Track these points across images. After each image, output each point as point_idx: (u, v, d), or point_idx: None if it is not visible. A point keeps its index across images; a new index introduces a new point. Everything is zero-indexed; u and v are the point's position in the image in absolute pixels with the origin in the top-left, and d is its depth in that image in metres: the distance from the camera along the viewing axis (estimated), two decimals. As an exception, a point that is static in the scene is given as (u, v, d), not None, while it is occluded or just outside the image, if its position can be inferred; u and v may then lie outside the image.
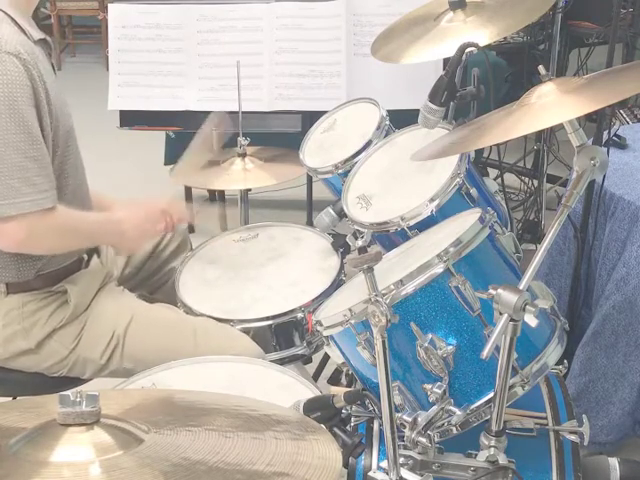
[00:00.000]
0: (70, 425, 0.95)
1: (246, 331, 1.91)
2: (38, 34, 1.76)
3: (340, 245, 2.11)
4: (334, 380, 2.32)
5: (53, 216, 1.71)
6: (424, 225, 1.74)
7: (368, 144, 2.04)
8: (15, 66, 1.61)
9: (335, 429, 1.40)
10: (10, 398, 1.88)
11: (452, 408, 1.38)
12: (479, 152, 2.32)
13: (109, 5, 2.89)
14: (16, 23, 1.70)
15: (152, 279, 2.21)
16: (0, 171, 1.62)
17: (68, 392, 0.97)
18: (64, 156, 1.79)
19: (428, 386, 1.39)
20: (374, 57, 2.13)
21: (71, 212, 1.77)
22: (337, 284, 1.97)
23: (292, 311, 1.93)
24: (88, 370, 1.88)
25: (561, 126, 1.35)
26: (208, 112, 2.82)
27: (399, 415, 1.36)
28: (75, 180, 1.84)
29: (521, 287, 1.25)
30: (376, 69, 2.66)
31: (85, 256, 1.90)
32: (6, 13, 1.69)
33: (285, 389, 1.63)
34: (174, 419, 1.07)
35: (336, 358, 1.58)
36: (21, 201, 1.64)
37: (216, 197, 3.62)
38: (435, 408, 1.36)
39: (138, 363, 1.83)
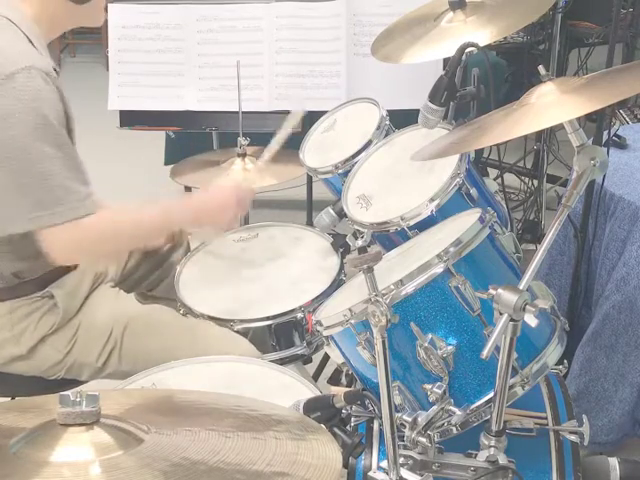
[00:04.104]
0: (70, 425, 0.95)
1: (246, 331, 1.91)
2: (52, 63, 1.76)
3: (340, 245, 2.11)
4: (334, 380, 2.31)
5: (98, 220, 1.70)
6: (424, 225, 1.74)
7: (368, 144, 2.04)
8: (45, 82, 1.63)
9: (335, 429, 1.40)
10: (9, 398, 1.88)
11: (452, 408, 1.38)
12: (479, 152, 2.32)
13: (109, 5, 2.88)
14: (35, 47, 1.70)
15: (152, 275, 2.21)
16: (45, 181, 1.62)
17: (68, 392, 0.97)
18: None
19: (428, 386, 1.39)
20: (374, 57, 2.13)
21: (119, 214, 1.78)
22: (337, 284, 1.97)
23: (292, 311, 1.93)
24: (85, 373, 1.88)
25: (561, 126, 1.35)
26: (208, 112, 2.84)
27: (399, 415, 1.36)
28: None
29: (521, 287, 1.26)
30: (376, 69, 2.66)
31: None
32: (28, 38, 1.69)
33: (285, 389, 1.62)
34: (174, 419, 1.07)
35: (336, 358, 1.58)
36: (67, 208, 1.64)
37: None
38: (435, 408, 1.36)
39: (136, 365, 1.82)
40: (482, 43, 1.85)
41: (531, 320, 1.24)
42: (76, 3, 1.73)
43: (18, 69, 1.59)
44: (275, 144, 2.19)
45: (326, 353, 2.21)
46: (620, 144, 2.41)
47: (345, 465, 1.43)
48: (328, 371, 2.44)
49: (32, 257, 1.78)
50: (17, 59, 1.61)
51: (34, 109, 1.60)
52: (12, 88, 1.58)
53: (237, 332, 1.91)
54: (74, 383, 1.88)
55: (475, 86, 1.93)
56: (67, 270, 1.86)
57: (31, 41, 1.69)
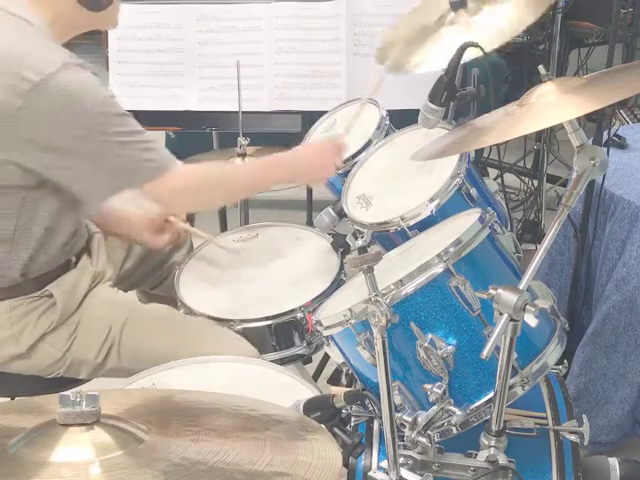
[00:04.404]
0: (70, 425, 0.95)
1: (246, 331, 1.91)
2: None
3: (340, 245, 2.11)
4: (334, 380, 2.31)
5: (181, 172, 1.75)
6: (424, 225, 1.74)
7: (368, 144, 2.04)
8: (84, 72, 1.65)
9: (335, 429, 1.40)
10: (8, 399, 1.88)
11: (452, 408, 1.38)
12: (479, 152, 2.31)
13: (109, 5, 2.88)
14: None
15: (154, 274, 2.21)
16: (114, 160, 1.67)
17: (68, 392, 0.97)
18: None
19: (428, 386, 1.39)
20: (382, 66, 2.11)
21: (208, 165, 1.86)
22: (337, 284, 1.97)
23: (292, 311, 1.93)
24: (84, 370, 1.88)
25: (561, 126, 1.35)
26: (208, 112, 2.83)
27: (399, 415, 1.36)
28: None
29: (521, 287, 1.25)
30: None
31: (74, 258, 1.89)
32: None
33: (285, 389, 1.62)
34: (174, 419, 1.06)
35: (336, 358, 1.58)
36: (138, 176, 1.70)
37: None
38: (435, 408, 1.36)
39: (135, 362, 1.82)
40: (487, 48, 1.84)
41: (531, 320, 1.24)
42: (92, 10, 1.73)
43: (57, 68, 1.60)
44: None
45: (326, 353, 2.21)
46: (620, 144, 2.41)
47: (345, 465, 1.43)
48: (328, 371, 2.44)
49: (40, 255, 1.79)
50: (52, 58, 1.62)
51: (83, 103, 1.62)
52: (54, 87, 1.59)
53: (237, 332, 1.90)
54: (73, 382, 1.88)
55: (475, 86, 1.93)
56: (66, 269, 1.86)
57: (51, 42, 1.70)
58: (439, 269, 1.38)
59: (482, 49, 1.79)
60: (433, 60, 1.94)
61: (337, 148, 1.99)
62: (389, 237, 1.82)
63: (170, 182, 1.72)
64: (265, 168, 1.96)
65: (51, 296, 1.82)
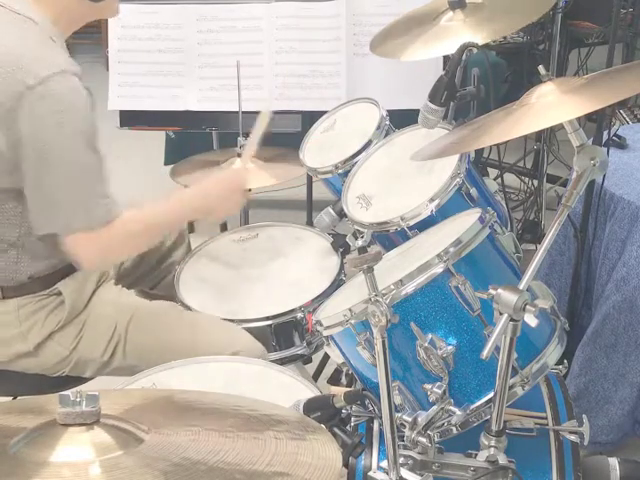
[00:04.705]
0: (70, 425, 0.95)
1: (246, 331, 1.91)
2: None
3: (340, 245, 2.11)
4: (334, 380, 2.31)
5: (121, 223, 1.72)
6: (424, 225, 1.74)
7: (368, 144, 2.04)
8: (79, 85, 1.64)
9: (335, 429, 1.40)
10: (10, 398, 1.88)
11: (452, 408, 1.38)
12: (479, 152, 2.32)
13: (109, 5, 2.88)
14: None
15: (152, 274, 2.21)
16: (77, 191, 1.66)
17: (68, 392, 0.97)
18: None
19: (428, 386, 1.39)
20: (373, 53, 2.12)
21: (137, 214, 1.78)
22: (337, 284, 1.97)
23: (292, 311, 1.93)
24: (89, 369, 1.88)
25: (561, 126, 1.35)
26: (208, 112, 2.84)
27: (399, 415, 1.36)
28: None
29: (521, 287, 1.25)
30: (376, 69, 2.66)
31: None
32: (52, 39, 1.69)
33: (285, 389, 1.63)
34: (174, 419, 1.07)
35: (336, 358, 1.58)
36: (95, 214, 1.68)
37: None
38: (435, 408, 1.36)
39: (141, 359, 1.83)
40: (481, 42, 1.85)
41: (531, 320, 1.24)
42: (93, 1, 1.73)
43: (53, 72, 1.59)
44: (251, 146, 2.15)
45: (326, 353, 2.21)
46: (620, 144, 2.41)
47: (345, 465, 1.43)
48: (328, 371, 2.44)
49: (47, 258, 1.79)
50: (50, 62, 1.61)
51: (69, 114, 1.61)
52: (47, 91, 1.58)
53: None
54: (77, 381, 1.89)
55: (475, 86, 1.93)
56: (73, 269, 1.87)
57: (54, 42, 1.69)
58: (439, 269, 1.38)
59: (478, 47, 1.80)
60: (424, 52, 1.96)
61: (242, 186, 1.98)
62: (389, 237, 1.82)
63: (103, 236, 1.69)
64: (178, 209, 1.91)
65: (59, 294, 1.82)
